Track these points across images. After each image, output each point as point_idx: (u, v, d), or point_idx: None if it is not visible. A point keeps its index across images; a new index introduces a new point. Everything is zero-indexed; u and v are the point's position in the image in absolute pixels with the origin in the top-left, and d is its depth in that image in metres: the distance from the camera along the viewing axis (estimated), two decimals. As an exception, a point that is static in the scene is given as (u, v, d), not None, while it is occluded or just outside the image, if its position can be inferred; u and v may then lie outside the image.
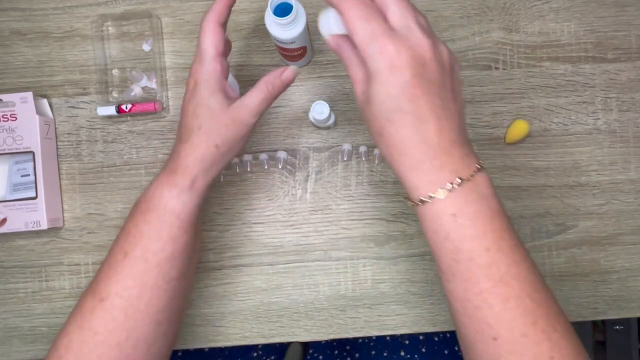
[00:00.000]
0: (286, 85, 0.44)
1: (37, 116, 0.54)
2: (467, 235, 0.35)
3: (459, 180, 0.35)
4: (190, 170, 0.42)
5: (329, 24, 0.39)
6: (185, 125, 0.43)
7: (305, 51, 0.53)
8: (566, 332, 0.35)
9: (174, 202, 0.41)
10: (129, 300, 0.40)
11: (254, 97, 0.42)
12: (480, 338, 0.35)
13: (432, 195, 0.35)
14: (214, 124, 0.42)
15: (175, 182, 0.41)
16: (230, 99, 0.43)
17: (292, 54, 0.52)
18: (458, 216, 0.35)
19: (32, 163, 0.54)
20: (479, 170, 0.36)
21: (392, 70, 0.34)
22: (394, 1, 0.36)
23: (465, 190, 0.35)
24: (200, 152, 0.42)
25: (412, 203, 0.37)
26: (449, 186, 0.35)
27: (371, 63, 0.35)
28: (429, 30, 0.36)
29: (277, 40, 0.49)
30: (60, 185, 0.57)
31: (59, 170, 0.57)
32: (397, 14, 0.36)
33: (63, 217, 0.57)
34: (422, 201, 0.36)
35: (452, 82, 0.37)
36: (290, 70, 0.44)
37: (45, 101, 0.57)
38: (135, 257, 0.41)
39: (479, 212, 0.35)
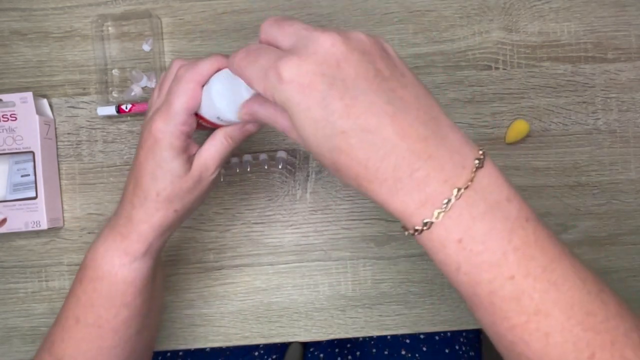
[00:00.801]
0: (247, 137, 0.40)
1: (37, 116, 0.54)
2: (483, 263, 0.27)
3: (456, 191, 0.27)
4: (145, 237, 0.38)
5: (225, 92, 0.36)
6: (141, 188, 0.38)
7: None
8: None
9: (125, 270, 0.38)
10: None
11: (213, 153, 0.38)
12: None
13: (427, 220, 0.27)
14: (175, 190, 0.37)
15: (126, 250, 0.38)
16: (191, 157, 0.38)
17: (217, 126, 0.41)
18: (466, 241, 0.27)
19: (32, 163, 0.54)
20: (479, 165, 0.27)
21: (303, 92, 0.27)
22: (279, 26, 0.30)
23: (468, 201, 0.27)
24: (157, 219, 0.38)
25: (408, 233, 0.29)
26: (445, 202, 0.27)
27: (279, 99, 0.28)
28: (332, 28, 0.30)
29: (220, 119, 0.37)
30: (60, 185, 0.57)
31: (59, 170, 0.57)
32: (287, 34, 0.29)
33: (63, 217, 0.57)
34: (417, 230, 0.28)
35: (391, 65, 0.29)
36: (252, 125, 0.39)
37: (45, 101, 0.57)
38: (88, 323, 0.39)
39: (493, 229, 0.27)
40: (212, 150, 0.38)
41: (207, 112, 0.37)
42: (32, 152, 0.54)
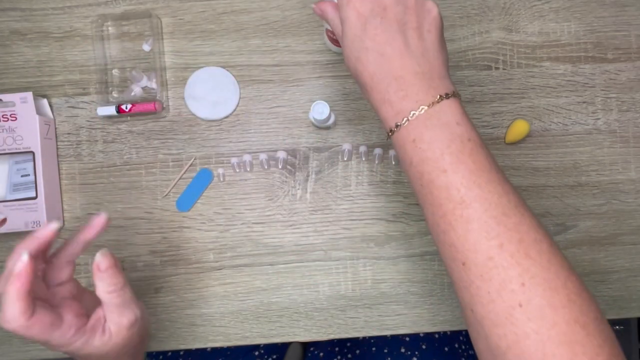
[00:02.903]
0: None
1: (37, 116, 0.54)
2: (426, 159, 0.36)
3: (420, 108, 0.36)
4: None
5: None
6: None
7: None
8: (544, 259, 0.32)
9: None
10: None
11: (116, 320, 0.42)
12: (453, 264, 0.35)
13: (398, 124, 0.37)
14: (115, 352, 0.42)
15: None
16: (94, 316, 0.42)
17: None
18: (417, 141, 0.36)
19: (32, 163, 0.54)
20: (445, 97, 0.37)
21: (357, 16, 0.39)
22: None
23: (426, 116, 0.36)
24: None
25: (387, 136, 0.39)
26: (412, 114, 0.36)
27: (342, 14, 0.40)
28: None
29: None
30: (60, 185, 0.57)
31: (59, 170, 0.57)
32: None
33: (63, 217, 0.57)
34: (391, 131, 0.38)
35: (422, 21, 0.39)
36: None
37: (45, 101, 0.57)
38: None
39: (437, 137, 0.36)
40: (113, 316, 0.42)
41: None
42: (32, 152, 0.54)
